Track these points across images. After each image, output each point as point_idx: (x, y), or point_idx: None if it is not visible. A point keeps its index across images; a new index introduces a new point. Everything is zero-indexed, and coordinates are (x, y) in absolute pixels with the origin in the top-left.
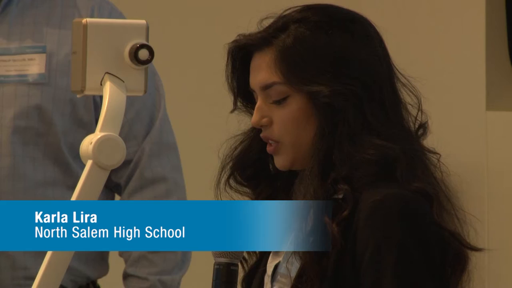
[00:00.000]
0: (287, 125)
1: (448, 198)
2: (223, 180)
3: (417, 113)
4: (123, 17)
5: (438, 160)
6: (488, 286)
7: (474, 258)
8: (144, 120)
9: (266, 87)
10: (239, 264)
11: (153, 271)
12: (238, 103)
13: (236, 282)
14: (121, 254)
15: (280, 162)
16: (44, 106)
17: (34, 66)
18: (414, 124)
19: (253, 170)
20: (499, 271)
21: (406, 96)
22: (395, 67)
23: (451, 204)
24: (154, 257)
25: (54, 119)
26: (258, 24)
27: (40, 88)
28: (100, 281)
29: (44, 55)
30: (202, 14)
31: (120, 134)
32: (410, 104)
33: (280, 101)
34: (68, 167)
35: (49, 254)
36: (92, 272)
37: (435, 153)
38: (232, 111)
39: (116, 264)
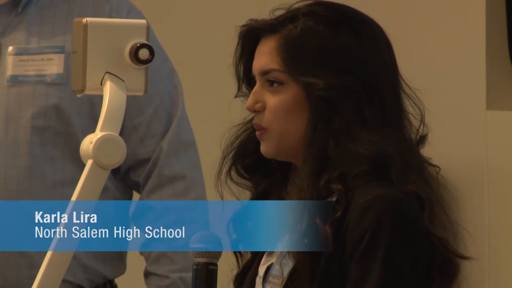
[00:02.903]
0: (278, 112)
1: (440, 203)
2: (224, 170)
3: (420, 124)
4: (142, 16)
5: (438, 172)
6: (488, 287)
7: (475, 259)
8: (162, 118)
9: (265, 73)
10: (236, 261)
11: (174, 268)
12: (243, 89)
13: (215, 282)
14: (141, 252)
15: (264, 148)
16: (62, 106)
17: (53, 66)
18: (416, 136)
19: (252, 160)
20: (499, 271)
21: (410, 107)
22: (401, 77)
23: (443, 208)
24: (175, 255)
25: (72, 119)
26: (270, 13)
27: (58, 88)
28: (116, 280)
29: (62, 55)
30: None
31: (138, 132)
32: (412, 115)
33: (275, 88)
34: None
35: (49, 254)
36: (109, 271)
37: (433, 165)
38: (236, 96)
39: (134, 263)
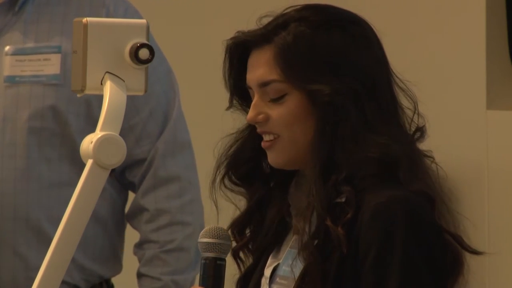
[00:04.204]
0: (285, 120)
1: (443, 201)
2: (218, 179)
3: (413, 115)
4: (139, 14)
5: (433, 161)
6: (489, 287)
7: (475, 259)
8: (158, 118)
9: (264, 84)
10: (237, 266)
11: (166, 271)
12: (234, 101)
13: (223, 277)
14: (135, 252)
15: (274, 158)
16: (59, 107)
17: (50, 66)
18: (410, 126)
19: (247, 169)
20: (499, 272)
21: (404, 100)
22: (393, 71)
23: (447, 206)
24: (168, 257)
25: (69, 120)
26: (257, 22)
27: (55, 88)
28: (113, 279)
29: (59, 56)
30: (198, 11)
31: (134, 133)
32: (408, 108)
33: (277, 99)
34: (83, 166)
35: (48, 255)
36: (105, 271)
37: (429, 156)
38: (227, 109)
39: (130, 263)
